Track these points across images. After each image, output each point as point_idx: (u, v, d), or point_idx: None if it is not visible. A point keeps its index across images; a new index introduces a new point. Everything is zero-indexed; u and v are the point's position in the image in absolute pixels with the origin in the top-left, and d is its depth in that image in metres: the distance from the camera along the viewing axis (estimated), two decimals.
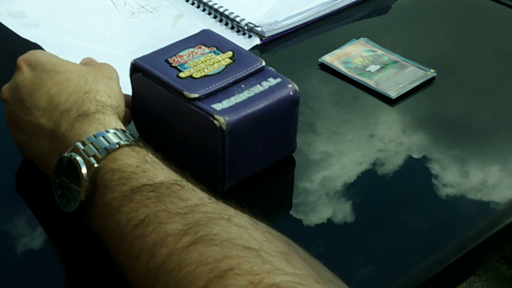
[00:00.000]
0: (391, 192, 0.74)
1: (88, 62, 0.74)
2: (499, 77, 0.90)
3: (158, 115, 0.72)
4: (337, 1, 0.98)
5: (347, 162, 0.76)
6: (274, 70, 0.72)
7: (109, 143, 0.61)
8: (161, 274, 0.51)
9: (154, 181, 0.57)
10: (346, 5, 1.00)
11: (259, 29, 0.93)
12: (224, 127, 0.66)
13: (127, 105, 0.73)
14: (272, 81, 0.71)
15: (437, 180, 0.74)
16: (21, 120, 0.68)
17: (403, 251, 0.66)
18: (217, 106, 0.67)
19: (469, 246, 0.67)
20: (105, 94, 0.67)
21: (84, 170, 0.60)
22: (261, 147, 0.70)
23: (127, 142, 0.61)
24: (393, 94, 0.83)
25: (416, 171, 0.76)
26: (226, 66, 0.72)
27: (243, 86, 0.70)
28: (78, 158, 0.60)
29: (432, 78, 0.87)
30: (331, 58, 0.89)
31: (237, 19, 0.94)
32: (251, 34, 0.93)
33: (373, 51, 0.90)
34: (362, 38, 0.92)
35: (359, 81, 0.85)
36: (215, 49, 0.74)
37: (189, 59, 0.72)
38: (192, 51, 0.73)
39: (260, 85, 0.70)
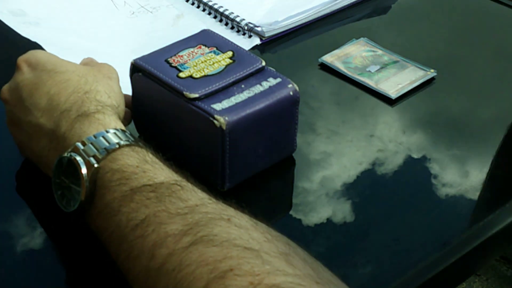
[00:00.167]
0: (391, 192, 0.74)
1: (88, 62, 0.74)
2: (499, 77, 0.90)
3: (158, 115, 0.72)
4: (337, 1, 0.98)
5: (347, 162, 0.76)
6: (274, 70, 0.72)
7: (109, 143, 0.61)
8: (161, 275, 0.51)
9: (154, 181, 0.57)
10: (346, 5, 1.00)
11: (259, 29, 0.93)
12: (224, 127, 0.66)
13: (127, 105, 0.73)
14: (272, 81, 0.71)
15: (437, 180, 0.74)
16: (21, 120, 0.68)
17: (403, 251, 0.66)
18: (217, 106, 0.67)
19: (469, 246, 0.67)
20: (105, 94, 0.67)
21: (84, 170, 0.60)
22: (261, 147, 0.70)
23: (127, 142, 0.61)
24: (393, 94, 0.83)
25: (416, 171, 0.76)
26: (226, 66, 0.72)
27: (243, 86, 0.70)
28: (78, 158, 0.60)
29: (432, 78, 0.87)
30: (331, 58, 0.89)
31: (237, 19, 0.94)
32: (251, 34, 0.93)
33: (373, 51, 0.90)
34: (362, 38, 0.92)
35: (359, 81, 0.85)
36: (215, 49, 0.74)
37: (189, 59, 0.72)
38: (192, 51, 0.73)
39: (260, 85, 0.70)
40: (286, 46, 0.93)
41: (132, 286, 0.55)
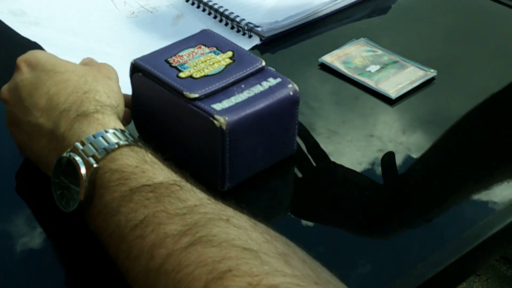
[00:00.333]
0: (391, 192, 0.74)
1: (88, 62, 0.74)
2: (499, 77, 0.90)
3: (158, 115, 0.72)
4: (337, 1, 0.98)
5: (347, 162, 0.76)
6: (274, 70, 0.72)
7: (108, 143, 0.61)
8: (160, 275, 0.51)
9: (153, 181, 0.57)
10: (346, 5, 1.00)
11: (259, 29, 0.93)
12: (224, 127, 0.66)
13: (127, 105, 0.73)
14: (272, 81, 0.71)
15: (437, 180, 0.74)
16: (21, 120, 0.68)
17: (403, 251, 0.66)
18: (217, 106, 0.67)
19: (469, 246, 0.67)
20: (104, 94, 0.67)
21: (83, 171, 0.60)
22: (261, 147, 0.70)
23: (126, 142, 0.61)
24: (393, 94, 0.83)
25: (416, 171, 0.76)
26: (226, 66, 0.72)
27: (243, 86, 0.70)
28: (77, 158, 0.60)
29: (432, 78, 0.87)
30: (331, 58, 0.89)
31: (237, 19, 0.94)
32: (251, 34, 0.93)
33: (373, 51, 0.90)
34: (362, 38, 0.92)
35: (359, 81, 0.85)
36: (215, 49, 0.74)
37: (189, 59, 0.72)
38: (192, 51, 0.73)
39: (260, 85, 0.70)
40: (286, 46, 0.93)
41: (132, 286, 0.55)
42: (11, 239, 0.66)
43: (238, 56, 0.73)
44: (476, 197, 0.72)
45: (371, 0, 1.02)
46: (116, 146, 0.60)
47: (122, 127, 0.64)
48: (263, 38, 0.93)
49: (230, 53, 0.73)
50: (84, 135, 0.62)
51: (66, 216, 0.62)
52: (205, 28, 0.78)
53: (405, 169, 0.76)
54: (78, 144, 0.61)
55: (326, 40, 0.95)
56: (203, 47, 0.74)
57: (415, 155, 0.77)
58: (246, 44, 0.91)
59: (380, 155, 0.76)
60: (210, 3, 0.97)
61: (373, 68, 0.87)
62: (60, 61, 0.70)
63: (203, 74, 0.70)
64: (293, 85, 0.71)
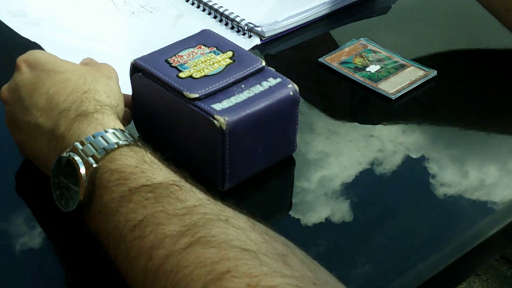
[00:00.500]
0: (391, 192, 0.74)
1: (88, 62, 0.74)
2: (499, 77, 0.90)
3: (158, 115, 0.72)
4: (337, 1, 0.98)
5: (346, 162, 0.76)
6: (274, 70, 0.72)
7: (107, 143, 0.61)
8: (159, 276, 0.51)
9: (152, 181, 0.57)
10: (346, 5, 1.00)
11: (259, 29, 0.93)
12: (224, 127, 0.66)
13: (127, 105, 0.73)
14: (272, 81, 0.71)
15: (437, 180, 0.74)
16: (21, 120, 0.68)
17: (403, 251, 0.66)
18: (217, 106, 0.67)
19: (469, 246, 0.67)
20: (104, 94, 0.67)
21: (82, 170, 0.60)
22: (261, 147, 0.70)
23: (125, 142, 0.61)
24: (393, 94, 0.83)
25: (416, 171, 0.76)
26: (226, 66, 0.71)
27: (243, 86, 0.70)
28: (77, 158, 0.60)
29: (432, 78, 0.87)
30: (331, 58, 0.89)
31: (237, 19, 0.94)
32: (251, 34, 0.93)
33: (373, 51, 0.90)
34: (362, 38, 0.92)
35: (359, 81, 0.85)
36: (215, 49, 0.74)
37: (189, 59, 0.72)
38: (192, 51, 0.73)
39: (260, 85, 0.70)
40: (286, 46, 0.93)
41: (131, 287, 0.55)
42: (10, 239, 0.66)
43: (238, 56, 0.73)
44: (476, 197, 0.72)
45: (371, 0, 1.02)
46: (116, 146, 0.60)
47: (122, 127, 0.64)
48: (263, 38, 0.93)
49: (230, 53, 0.73)
50: (83, 135, 0.62)
51: (66, 216, 0.62)
52: (205, 28, 0.78)
53: (405, 169, 0.75)
54: (78, 144, 0.61)
55: (326, 40, 0.94)
56: (203, 47, 0.74)
57: (415, 155, 0.77)
58: (246, 44, 0.91)
59: (380, 155, 0.76)
60: (210, 3, 0.97)
61: (373, 68, 0.87)
62: (59, 61, 0.70)
63: (203, 74, 0.70)
64: (293, 85, 0.71)
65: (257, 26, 0.93)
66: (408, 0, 1.04)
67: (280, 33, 0.94)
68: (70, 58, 0.72)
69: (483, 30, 0.98)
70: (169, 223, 0.53)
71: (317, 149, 0.77)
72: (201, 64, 0.72)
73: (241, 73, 0.71)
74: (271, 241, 0.52)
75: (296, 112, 0.72)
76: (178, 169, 0.60)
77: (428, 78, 0.86)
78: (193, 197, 0.56)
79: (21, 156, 0.72)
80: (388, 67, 0.87)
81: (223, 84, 0.69)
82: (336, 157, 0.76)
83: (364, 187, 0.73)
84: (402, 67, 0.87)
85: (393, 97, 0.83)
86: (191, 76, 0.70)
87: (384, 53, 0.89)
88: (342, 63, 0.88)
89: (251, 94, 0.69)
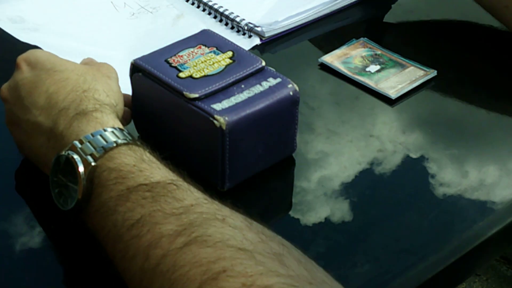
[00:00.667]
0: (391, 192, 0.74)
1: (88, 62, 0.74)
2: (499, 77, 0.90)
3: (158, 115, 0.72)
4: (337, 1, 0.98)
5: (346, 162, 0.76)
6: (274, 70, 0.72)
7: (106, 141, 0.61)
8: (156, 276, 0.51)
9: (150, 180, 0.57)
10: (346, 5, 1.00)
11: (259, 29, 0.93)
12: (224, 127, 0.66)
13: (127, 105, 0.73)
14: (272, 81, 0.71)
15: (437, 180, 0.74)
16: (20, 119, 0.68)
17: (403, 251, 0.66)
18: (217, 106, 0.67)
19: (469, 246, 0.67)
20: (104, 93, 0.67)
21: (81, 169, 0.60)
22: (261, 147, 0.70)
23: (124, 141, 0.61)
24: (393, 94, 0.83)
25: (416, 171, 0.76)
26: (226, 66, 0.72)
27: (243, 86, 0.70)
28: (76, 156, 0.60)
29: (432, 78, 0.87)
30: (331, 58, 0.89)
31: (237, 19, 0.94)
32: (251, 34, 0.93)
33: (373, 51, 0.90)
34: (362, 38, 0.92)
35: (359, 81, 0.85)
36: (215, 49, 0.74)
37: (189, 59, 0.72)
38: (192, 51, 0.73)
39: (260, 85, 0.70)
40: (286, 46, 0.93)
41: (129, 286, 0.55)
42: (10, 238, 0.66)
43: (238, 56, 0.73)
44: (476, 197, 0.72)
45: (371, 0, 1.02)
46: (115, 144, 0.60)
47: (121, 126, 0.64)
48: (263, 38, 0.93)
49: (230, 53, 0.73)
50: (82, 133, 0.62)
51: (65, 215, 0.62)
52: (205, 28, 0.78)
53: (405, 169, 0.75)
54: (77, 143, 0.61)
55: (326, 40, 0.94)
56: (203, 47, 0.74)
57: (415, 155, 0.77)
58: (246, 44, 0.91)
59: (380, 155, 0.76)
60: (210, 3, 0.97)
61: (373, 68, 0.87)
62: (59, 60, 0.70)
63: (203, 74, 0.70)
64: (293, 85, 0.71)
65: (257, 26, 0.93)
66: (408, 0, 1.04)
67: (280, 33, 0.94)
68: (71, 60, 0.72)
69: (483, 30, 0.98)
70: (166, 222, 0.53)
71: (317, 149, 0.77)
72: (201, 64, 0.72)
73: (241, 73, 0.71)
74: (267, 240, 0.52)
75: (296, 112, 0.72)
76: (176, 168, 0.60)
77: (428, 78, 0.86)
78: (190, 196, 0.56)
79: (20, 155, 0.72)
80: (388, 67, 0.87)
81: (223, 84, 0.69)
82: (336, 157, 0.76)
83: (364, 187, 0.74)
84: (402, 67, 0.87)
85: (393, 97, 0.83)
86: (191, 76, 0.70)
87: (384, 53, 0.89)
88: (342, 63, 0.88)
89: (251, 94, 0.69)
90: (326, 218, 0.70)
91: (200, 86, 0.69)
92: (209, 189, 0.58)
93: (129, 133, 0.63)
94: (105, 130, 0.62)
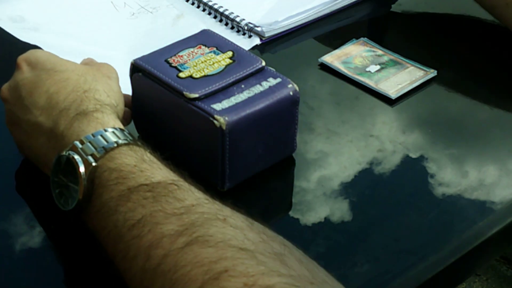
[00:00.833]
0: (391, 192, 0.74)
1: (88, 63, 0.74)
2: (499, 77, 0.90)
3: (158, 115, 0.72)
4: (337, 1, 0.98)
5: (346, 162, 0.76)
6: (274, 70, 0.72)
7: (107, 142, 0.61)
8: (157, 276, 0.51)
9: (151, 180, 0.57)
10: (346, 5, 1.00)
11: (259, 29, 0.93)
12: (224, 127, 0.66)
13: (127, 105, 0.73)
14: (272, 81, 0.71)
15: (436, 180, 0.74)
16: (20, 119, 0.68)
17: (403, 251, 0.66)
18: (217, 106, 0.67)
19: (469, 246, 0.67)
20: (104, 93, 0.67)
21: (82, 169, 0.60)
22: (261, 147, 0.70)
23: (125, 141, 0.61)
24: (393, 94, 0.83)
25: (416, 171, 0.76)
26: (226, 66, 0.72)
27: (243, 86, 0.70)
28: (76, 157, 0.60)
29: (432, 78, 0.87)
30: (331, 58, 0.89)
31: (237, 19, 0.94)
32: (251, 34, 0.93)
33: (373, 51, 0.90)
34: (362, 38, 0.92)
35: (359, 81, 0.85)
36: (215, 49, 0.74)
37: (189, 59, 0.72)
38: (192, 51, 0.73)
39: (260, 85, 0.70)
40: (286, 46, 0.93)
41: (129, 286, 0.55)
42: (10, 238, 0.66)
43: (238, 56, 0.73)
44: (475, 197, 0.72)
45: (371, 0, 1.02)
46: (115, 145, 0.60)
47: (122, 126, 0.64)
48: (263, 38, 0.93)
49: (230, 53, 0.73)
50: (83, 133, 0.62)
51: (65, 215, 0.62)
52: (205, 28, 0.78)
53: (405, 169, 0.76)
54: (77, 143, 0.61)
55: (326, 40, 0.95)
56: (203, 47, 0.74)
57: (415, 155, 0.77)
58: (246, 44, 0.91)
59: (380, 155, 0.76)
60: (210, 3, 0.97)
61: (373, 68, 0.87)
62: (60, 60, 0.70)
63: (203, 74, 0.70)
64: (293, 85, 0.71)
65: (257, 26, 0.93)
66: (408, 0, 1.04)
67: (280, 33, 0.94)
68: (71, 60, 0.72)
69: (483, 30, 0.98)
70: (167, 222, 0.53)
71: (317, 149, 0.77)
72: (201, 64, 0.72)
73: (241, 73, 0.71)
74: (269, 240, 0.52)
75: (296, 112, 0.72)
76: (177, 169, 0.60)
77: (428, 78, 0.86)
78: (191, 196, 0.56)
79: (20, 156, 0.72)
80: (388, 67, 0.87)
81: (223, 84, 0.69)
82: (335, 157, 0.76)
83: (364, 187, 0.74)
84: (402, 67, 0.87)
85: (393, 97, 0.83)
86: (191, 76, 0.70)
87: (384, 53, 0.89)
88: (342, 63, 0.88)
89: (251, 94, 0.69)
90: (326, 218, 0.70)
91: (200, 86, 0.69)
92: (209, 189, 0.58)
93: (129, 134, 0.63)
94: (105, 131, 0.62)
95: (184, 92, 0.68)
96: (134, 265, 0.54)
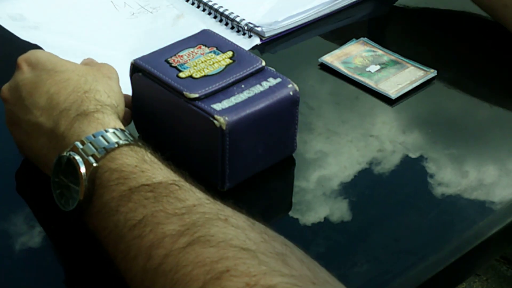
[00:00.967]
0: (391, 192, 0.74)
1: (88, 63, 0.74)
2: (498, 77, 0.90)
3: (158, 115, 0.72)
4: (337, 1, 0.98)
5: (346, 162, 0.76)
6: (274, 70, 0.72)
7: (108, 142, 0.61)
8: (158, 276, 0.51)
9: (152, 181, 0.57)
10: (346, 5, 1.00)
11: (259, 29, 0.93)
12: (224, 127, 0.66)
13: (127, 105, 0.73)
14: (272, 81, 0.71)
15: (436, 180, 0.74)
16: (21, 119, 0.68)
17: (403, 251, 0.66)
18: (217, 106, 0.67)
19: (469, 246, 0.67)
20: (105, 94, 0.67)
21: (83, 170, 0.60)
22: (261, 147, 0.70)
23: (126, 142, 0.61)
24: (393, 94, 0.83)
25: (416, 171, 0.76)
26: (226, 66, 0.72)
27: (243, 86, 0.70)
28: (77, 157, 0.60)
29: (432, 78, 0.87)
30: (331, 58, 0.89)
31: (237, 19, 0.94)
32: (251, 34, 0.93)
33: (373, 51, 0.90)
34: (362, 38, 0.92)
35: (359, 81, 0.85)
36: (215, 49, 0.74)
37: (189, 59, 0.72)
38: (192, 51, 0.73)
39: (260, 85, 0.70)
40: (286, 46, 0.93)
41: (130, 286, 0.55)
42: (10, 238, 0.66)
43: (238, 56, 0.73)
44: (475, 197, 0.72)
45: (371, 0, 1.02)
46: (116, 145, 0.60)
47: (122, 127, 0.64)
48: (263, 38, 0.93)
49: (230, 53, 0.73)
50: (84, 134, 0.62)
51: (66, 216, 0.62)
52: (205, 28, 0.78)
53: (405, 169, 0.76)
54: (78, 143, 0.61)
55: (326, 40, 0.95)
56: (203, 47, 0.74)
57: (415, 155, 0.77)
58: (246, 44, 0.91)
59: (380, 155, 0.76)
60: (210, 3, 0.97)
61: (373, 68, 0.87)
62: (60, 60, 0.70)
63: (203, 74, 0.70)
64: (293, 85, 0.71)
65: (257, 26, 0.93)
66: (408, 0, 1.04)
67: (280, 33, 0.94)
68: (71, 60, 0.72)
69: (483, 30, 0.98)
70: (169, 222, 0.53)
71: (317, 149, 0.77)
72: (201, 64, 0.72)
73: (241, 73, 0.71)
74: (270, 240, 0.52)
75: (296, 112, 0.72)
76: (178, 169, 0.60)
77: (428, 78, 0.86)
78: (192, 196, 0.56)
79: (20, 156, 0.72)
80: (388, 67, 0.87)
81: (223, 84, 0.69)
82: (335, 157, 0.76)
83: (364, 187, 0.74)
84: (402, 67, 0.87)
85: (393, 97, 0.83)
86: (191, 76, 0.70)
87: (384, 53, 0.89)
88: (342, 63, 0.88)
89: (251, 94, 0.69)
90: (325, 218, 0.70)
91: (200, 86, 0.69)
92: (209, 189, 0.58)
93: (130, 134, 0.63)
94: (106, 131, 0.62)
95: (184, 92, 0.68)
96: (135, 265, 0.54)
